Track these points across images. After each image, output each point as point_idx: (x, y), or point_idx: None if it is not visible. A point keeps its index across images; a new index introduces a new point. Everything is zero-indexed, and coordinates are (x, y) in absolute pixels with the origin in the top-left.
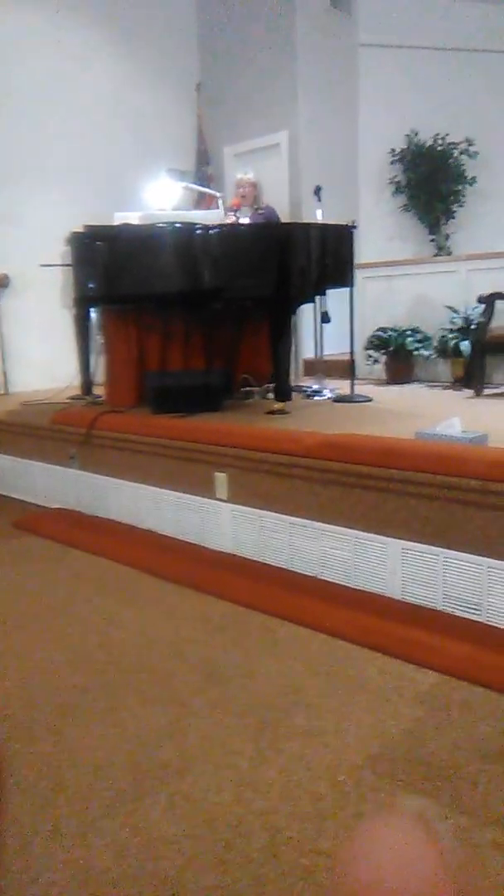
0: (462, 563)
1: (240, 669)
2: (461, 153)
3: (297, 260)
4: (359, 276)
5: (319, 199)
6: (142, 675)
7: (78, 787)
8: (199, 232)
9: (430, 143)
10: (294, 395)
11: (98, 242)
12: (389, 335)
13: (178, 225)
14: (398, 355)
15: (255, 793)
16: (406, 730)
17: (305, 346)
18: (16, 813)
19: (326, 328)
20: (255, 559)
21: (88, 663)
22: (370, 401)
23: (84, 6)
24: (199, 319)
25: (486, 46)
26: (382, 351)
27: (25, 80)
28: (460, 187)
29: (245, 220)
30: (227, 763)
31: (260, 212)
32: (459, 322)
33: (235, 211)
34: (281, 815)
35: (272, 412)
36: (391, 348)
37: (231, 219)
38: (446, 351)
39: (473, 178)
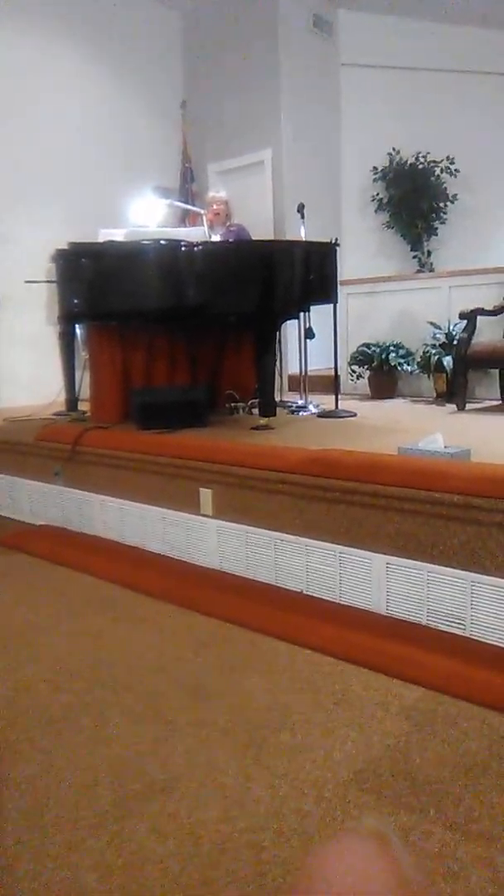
0: (446, 577)
1: (225, 686)
2: (442, 171)
3: (281, 276)
4: (342, 292)
5: (303, 217)
6: (127, 693)
7: (63, 806)
8: (183, 249)
9: (411, 160)
10: (279, 410)
11: (83, 259)
12: (373, 351)
13: (162, 242)
14: (382, 371)
15: (241, 810)
16: (391, 745)
17: (290, 362)
18: None
19: (311, 344)
20: (240, 575)
21: (74, 681)
22: (354, 416)
23: (72, 26)
24: (184, 335)
25: (465, 67)
26: (366, 366)
27: (13, 99)
28: (442, 204)
29: (216, 237)
30: (212, 781)
31: (231, 228)
32: (442, 338)
33: (209, 227)
34: (267, 833)
35: (257, 427)
36: (375, 364)
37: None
38: (429, 366)
39: (455, 196)
